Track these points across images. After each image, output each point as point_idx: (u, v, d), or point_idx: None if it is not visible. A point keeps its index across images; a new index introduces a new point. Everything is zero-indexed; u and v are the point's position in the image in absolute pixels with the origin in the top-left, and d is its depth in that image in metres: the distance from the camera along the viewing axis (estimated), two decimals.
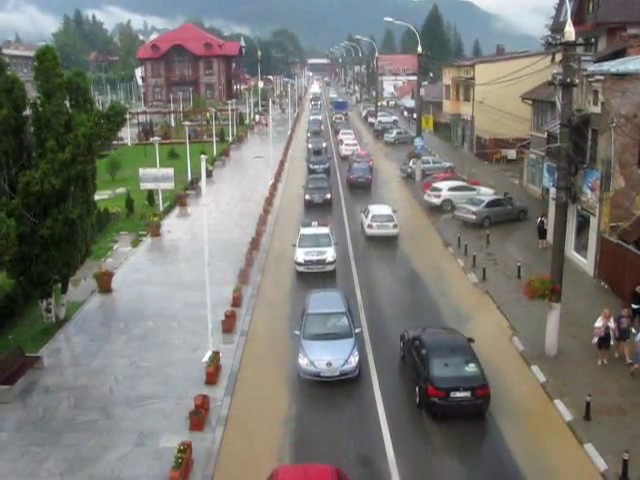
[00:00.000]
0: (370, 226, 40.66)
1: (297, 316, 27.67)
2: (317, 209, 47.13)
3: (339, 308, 25.38)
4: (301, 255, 33.90)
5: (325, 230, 36.32)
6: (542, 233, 37.12)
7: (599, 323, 23.38)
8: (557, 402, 21.18)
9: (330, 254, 34.04)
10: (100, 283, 31.58)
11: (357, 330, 24.55)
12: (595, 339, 23.51)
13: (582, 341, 25.24)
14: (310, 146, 72.69)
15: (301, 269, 33.82)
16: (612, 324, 23.34)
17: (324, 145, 73.36)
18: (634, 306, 25.79)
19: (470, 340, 23.01)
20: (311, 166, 61.40)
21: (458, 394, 20.21)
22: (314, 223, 37.32)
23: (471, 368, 20.96)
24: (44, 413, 20.92)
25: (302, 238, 35.19)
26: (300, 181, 56.73)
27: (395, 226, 40.66)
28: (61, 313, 28.26)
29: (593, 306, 28.05)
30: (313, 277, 33.05)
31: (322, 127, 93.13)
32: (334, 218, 45.43)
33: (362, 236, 40.92)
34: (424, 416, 20.72)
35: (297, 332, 24.37)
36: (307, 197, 49.13)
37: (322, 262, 33.72)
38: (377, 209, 42.33)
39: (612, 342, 23.53)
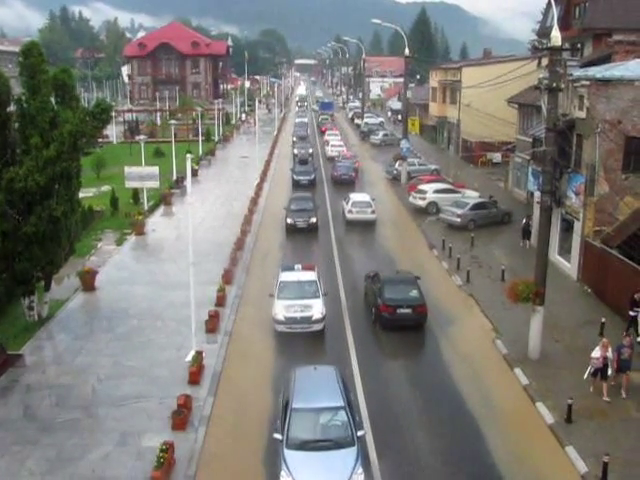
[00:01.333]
0: (350, 211, 44.40)
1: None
2: (300, 235, 41.07)
3: (335, 399, 18.44)
4: (281, 310, 26.53)
5: (311, 276, 28.66)
6: (526, 234, 37.90)
7: (596, 353, 21.48)
8: (539, 405, 21.27)
9: (318, 309, 26.54)
10: (84, 281, 31.40)
11: (360, 433, 18.01)
12: (590, 369, 21.70)
13: (565, 344, 25.42)
14: (295, 151, 69.48)
15: (281, 329, 26.58)
16: (611, 354, 21.56)
17: (310, 151, 69.62)
18: (632, 313, 25.68)
19: (417, 277, 29.51)
20: (295, 177, 56.53)
21: (402, 310, 26.92)
22: (297, 266, 29.79)
23: (413, 293, 27.68)
24: (25, 412, 20.76)
25: (282, 287, 27.71)
26: (286, 182, 56.67)
27: (373, 212, 44.30)
28: (44, 311, 28.06)
29: (576, 310, 28.26)
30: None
31: (308, 131, 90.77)
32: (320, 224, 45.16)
33: (345, 239, 40.98)
34: (377, 328, 27.69)
35: (278, 436, 17.74)
36: (289, 220, 41.67)
37: (308, 320, 26.24)
38: (357, 197, 46.23)
39: (610, 373, 21.69)
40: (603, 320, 26.26)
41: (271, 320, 26.86)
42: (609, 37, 40.24)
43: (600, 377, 21.60)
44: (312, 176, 56.83)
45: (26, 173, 24.32)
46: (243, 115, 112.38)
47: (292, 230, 41.50)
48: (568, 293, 30.71)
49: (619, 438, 19.31)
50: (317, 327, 26.58)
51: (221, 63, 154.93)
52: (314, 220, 41.79)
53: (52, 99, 26.50)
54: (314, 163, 62.66)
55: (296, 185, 55.31)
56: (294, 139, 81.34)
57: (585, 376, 21.82)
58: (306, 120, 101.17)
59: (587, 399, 21.29)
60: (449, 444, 19.51)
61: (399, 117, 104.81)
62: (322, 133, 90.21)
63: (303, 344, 25.87)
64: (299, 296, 27.12)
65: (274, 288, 28.02)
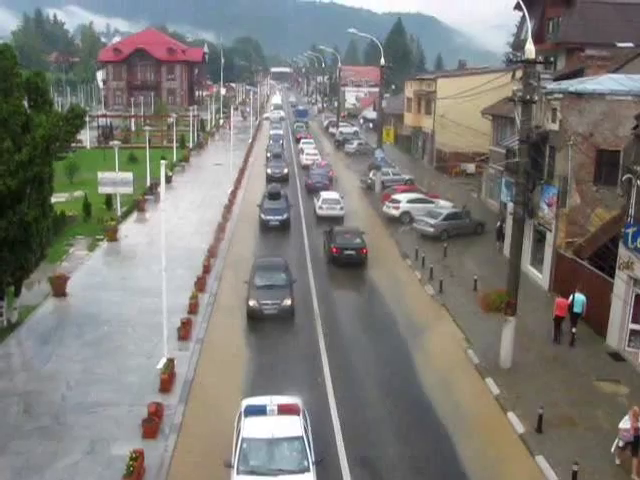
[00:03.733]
0: (321, 207, 48.09)
1: (253, 327, 27.61)
2: (271, 325, 28.60)
3: None
4: None
5: (294, 427, 17.62)
6: (500, 236, 39.53)
7: (626, 424, 18.71)
8: (510, 415, 21.39)
9: None
10: (54, 287, 31.05)
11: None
12: (620, 443, 18.81)
13: (535, 354, 25.62)
14: (269, 171, 63.81)
15: None
16: None
17: (286, 171, 64.20)
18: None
19: (362, 232, 38.34)
20: (263, 216, 45.25)
21: (348, 252, 36.55)
22: (270, 406, 17.99)
23: (357, 240, 37.27)
24: None
25: (246, 451, 17.05)
26: (260, 191, 56.24)
27: (342, 208, 47.86)
28: (13, 317, 27.71)
29: (547, 320, 28.41)
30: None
31: (284, 144, 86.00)
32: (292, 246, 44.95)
33: (324, 256, 40.45)
34: (330, 265, 37.01)
35: None
36: (251, 303, 29.05)
37: None
38: (327, 194, 49.90)
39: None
40: (574, 330, 26.54)
41: (243, 329, 25.29)
42: (582, 52, 40.78)
43: (631, 452, 18.69)
44: (285, 215, 45.40)
45: None
46: (221, 121, 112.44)
47: (256, 316, 29.02)
48: (539, 303, 30.93)
49: (588, 447, 19.49)
50: None
51: (197, 70, 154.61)
52: (288, 302, 29.09)
53: (25, 103, 26.24)
54: (288, 198, 49.40)
55: (264, 227, 45.07)
56: (268, 155, 73.85)
57: (613, 449, 19.00)
58: (281, 132, 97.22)
59: (557, 407, 21.46)
60: (419, 453, 19.54)
61: (370, 125, 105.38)
62: (297, 140, 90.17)
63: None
64: (274, 468, 16.72)
65: (232, 451, 17.38)
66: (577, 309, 26.90)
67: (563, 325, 26.97)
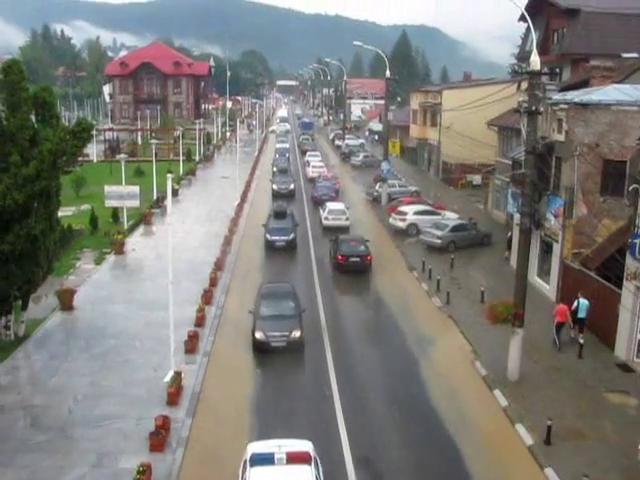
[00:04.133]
0: (327, 218, 48.67)
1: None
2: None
3: None
4: None
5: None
6: (510, 246, 39.21)
7: None
8: (518, 426, 21.27)
9: None
10: (62, 300, 31.08)
11: None
12: None
13: (543, 365, 25.51)
14: (275, 187, 62.73)
15: None
16: None
17: (292, 187, 63.02)
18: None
19: (367, 240, 39.77)
20: (269, 237, 43.67)
21: (353, 259, 37.82)
22: (278, 454, 16.47)
23: (361, 248, 38.49)
24: None
25: None
26: (267, 206, 56.23)
27: (347, 219, 48.59)
28: (20, 330, 27.72)
29: None
30: None
31: (290, 158, 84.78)
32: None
33: (330, 264, 40.44)
34: (334, 271, 38.52)
35: None
36: (258, 335, 27.14)
37: None
38: (333, 205, 50.84)
39: None
40: (581, 341, 26.42)
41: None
42: (587, 62, 40.84)
43: None
44: (291, 236, 43.78)
45: (4, 191, 24.12)
46: (227, 134, 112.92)
47: (263, 350, 27.22)
48: (547, 314, 30.74)
49: (597, 459, 19.35)
50: None
51: (203, 83, 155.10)
52: (297, 334, 27.03)
53: (32, 117, 26.38)
54: (294, 216, 48.02)
55: (270, 247, 43.63)
56: (274, 169, 72.98)
57: None
58: (287, 146, 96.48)
59: (565, 420, 21.33)
60: (427, 465, 19.45)
61: (376, 137, 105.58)
62: (303, 153, 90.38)
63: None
64: None
65: None
66: (581, 314, 26.99)
67: (563, 331, 27.09)
